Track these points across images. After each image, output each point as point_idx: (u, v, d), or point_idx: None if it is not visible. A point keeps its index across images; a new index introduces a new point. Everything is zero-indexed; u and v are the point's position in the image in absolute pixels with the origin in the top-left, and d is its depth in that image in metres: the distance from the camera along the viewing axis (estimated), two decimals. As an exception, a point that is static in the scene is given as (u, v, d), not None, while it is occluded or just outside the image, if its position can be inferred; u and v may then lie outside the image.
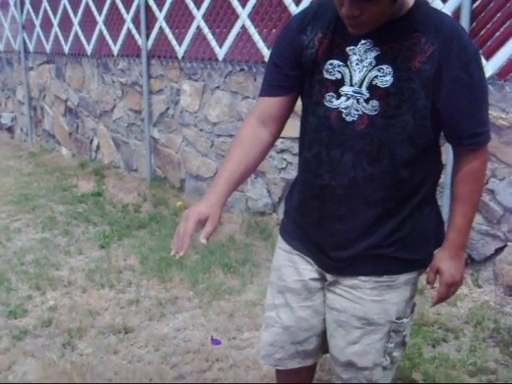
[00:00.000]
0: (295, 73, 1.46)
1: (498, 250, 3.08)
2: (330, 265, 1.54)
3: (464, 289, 3.14)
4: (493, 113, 2.94)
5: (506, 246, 3.04)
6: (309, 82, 1.45)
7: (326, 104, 1.41)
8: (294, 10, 3.74)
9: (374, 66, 1.35)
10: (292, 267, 1.61)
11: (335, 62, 1.39)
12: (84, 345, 2.72)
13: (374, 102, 1.35)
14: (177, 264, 3.57)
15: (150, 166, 5.41)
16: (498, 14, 2.87)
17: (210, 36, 4.46)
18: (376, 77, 1.35)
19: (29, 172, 6.24)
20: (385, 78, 1.34)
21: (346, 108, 1.39)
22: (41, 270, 3.57)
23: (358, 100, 1.37)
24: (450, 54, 1.30)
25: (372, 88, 1.35)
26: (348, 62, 1.37)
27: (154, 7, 4.97)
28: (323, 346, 1.68)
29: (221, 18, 4.35)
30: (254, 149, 1.50)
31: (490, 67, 2.92)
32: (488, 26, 2.91)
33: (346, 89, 1.38)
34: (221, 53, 4.38)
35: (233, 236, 4.11)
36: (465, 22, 2.92)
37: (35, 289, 3.31)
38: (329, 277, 1.56)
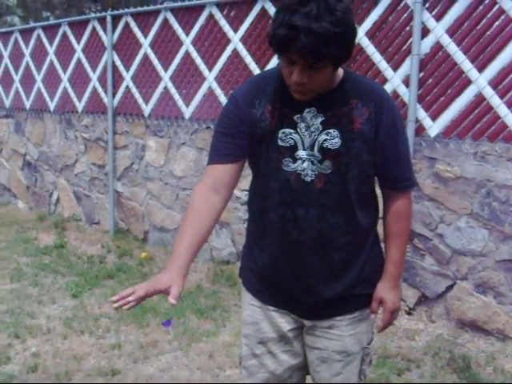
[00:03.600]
0: (246, 142, 1.60)
1: (449, 288, 3.44)
2: (307, 312, 1.70)
3: (420, 324, 3.47)
4: (439, 166, 3.36)
5: (455, 283, 3.41)
6: (266, 150, 1.59)
7: (285, 168, 1.57)
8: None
9: (322, 131, 1.53)
10: (269, 321, 1.73)
11: (287, 130, 1.56)
12: (74, 387, 2.85)
13: (327, 162, 1.54)
14: (151, 310, 3.74)
15: (113, 219, 5.57)
16: (442, 82, 3.34)
17: (176, 96, 4.77)
18: (325, 140, 1.53)
19: (-14, 225, 6.24)
20: (333, 140, 1.53)
21: (303, 170, 1.56)
22: (17, 318, 3.64)
23: (312, 162, 1.55)
24: (383, 115, 1.55)
25: (323, 150, 1.54)
26: (298, 129, 1.55)
27: (121, 67, 5.26)
28: (304, 377, 1.89)
29: (188, 79, 4.69)
30: (208, 217, 1.58)
31: (436, 127, 3.36)
32: (434, 91, 3.37)
33: (300, 153, 1.56)
34: (187, 112, 4.69)
35: (200, 284, 4.31)
36: (413, 88, 3.37)
37: (14, 337, 3.38)
38: (306, 322, 1.71)
